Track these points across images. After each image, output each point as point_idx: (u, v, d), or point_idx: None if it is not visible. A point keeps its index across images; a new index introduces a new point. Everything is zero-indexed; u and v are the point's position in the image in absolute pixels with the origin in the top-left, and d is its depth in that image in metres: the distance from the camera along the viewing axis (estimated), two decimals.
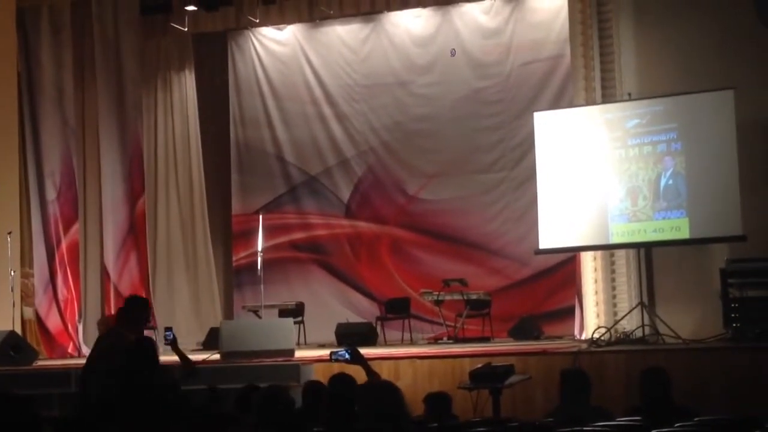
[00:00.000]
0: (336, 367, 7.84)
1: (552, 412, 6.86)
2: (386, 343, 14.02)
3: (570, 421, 5.93)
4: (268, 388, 5.76)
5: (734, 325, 10.75)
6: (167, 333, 7.89)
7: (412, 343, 14.09)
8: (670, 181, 11.32)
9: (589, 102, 12.12)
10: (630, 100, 11.77)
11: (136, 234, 15.23)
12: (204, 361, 10.91)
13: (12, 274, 13.47)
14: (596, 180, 11.73)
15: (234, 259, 16.37)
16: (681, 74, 11.76)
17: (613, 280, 11.89)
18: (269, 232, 15.11)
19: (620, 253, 11.90)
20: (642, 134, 11.51)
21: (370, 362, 7.22)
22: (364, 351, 6.88)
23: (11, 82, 14.38)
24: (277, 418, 5.29)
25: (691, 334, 10.88)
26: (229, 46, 16.58)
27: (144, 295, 14.94)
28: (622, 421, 6.18)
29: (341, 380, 5.80)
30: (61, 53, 14.75)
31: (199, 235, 15.96)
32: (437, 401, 6.74)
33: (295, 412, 5.71)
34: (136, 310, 7.91)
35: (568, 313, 13.09)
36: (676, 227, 11.27)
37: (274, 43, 16.31)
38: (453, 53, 15.24)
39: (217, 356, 11.48)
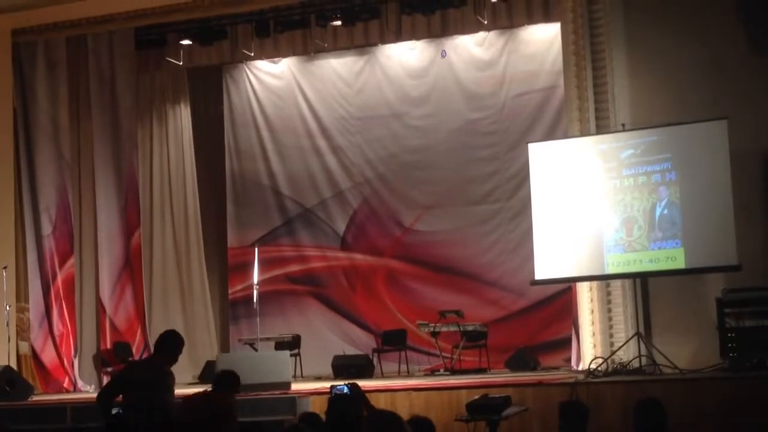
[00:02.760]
0: None
1: None
2: (383, 375, 13.99)
3: None
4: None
5: (731, 354, 10.73)
6: None
7: (409, 374, 14.07)
8: (665, 211, 11.33)
9: (584, 133, 12.15)
10: (624, 130, 11.81)
11: (131, 267, 15.22)
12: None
13: (7, 308, 13.45)
14: (591, 210, 11.74)
15: (230, 291, 16.36)
16: (674, 104, 11.82)
17: (610, 310, 11.86)
18: (265, 264, 15.11)
19: (616, 284, 11.89)
20: (636, 164, 11.54)
21: (367, 395, 7.21)
22: (361, 383, 6.86)
23: (7, 116, 14.43)
24: None
25: (688, 364, 10.87)
26: (224, 79, 16.65)
27: (139, 329, 14.95)
28: None
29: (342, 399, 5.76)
30: (57, 88, 14.81)
31: (195, 268, 15.96)
32: (421, 427, 6.70)
33: None
34: (173, 348, 7.80)
35: (564, 344, 13.08)
36: (672, 257, 11.28)
37: (268, 76, 16.38)
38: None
39: None
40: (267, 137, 16.35)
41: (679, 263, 11.24)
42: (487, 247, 14.92)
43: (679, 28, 12.03)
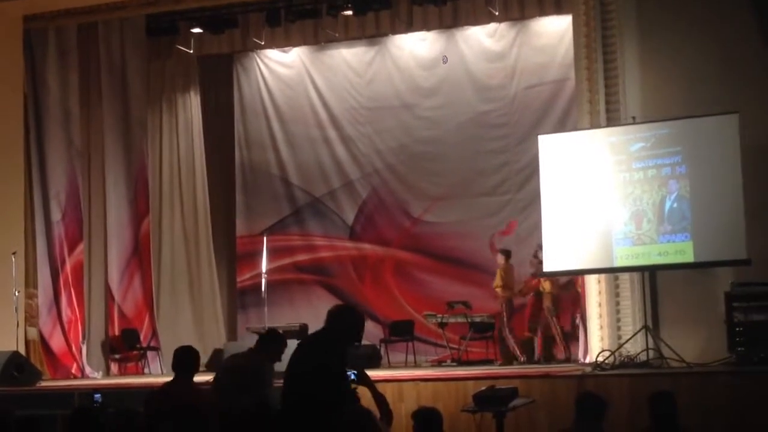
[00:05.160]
0: None
1: None
2: (390, 366, 14.00)
3: None
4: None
5: (739, 349, 10.72)
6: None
7: (416, 365, 14.08)
8: (675, 205, 11.30)
9: (594, 125, 12.12)
10: (634, 123, 11.78)
11: (140, 255, 15.25)
12: (207, 383, 10.88)
13: (16, 294, 13.48)
14: (601, 203, 11.72)
15: (238, 280, 16.38)
16: (685, 98, 11.77)
17: (618, 303, 11.84)
18: (273, 253, 15.13)
19: (624, 277, 11.87)
20: (646, 158, 11.51)
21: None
22: (368, 373, 6.86)
23: (18, 103, 14.44)
24: None
25: (696, 358, 10.85)
26: (234, 68, 16.65)
27: (147, 316, 14.99)
28: None
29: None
30: (68, 75, 14.83)
31: (204, 257, 15.97)
32: (426, 419, 6.73)
33: None
34: (273, 345, 7.87)
35: (572, 336, 13.07)
36: (681, 251, 11.25)
37: (279, 65, 16.37)
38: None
39: None
40: (277, 127, 16.35)
41: (688, 257, 11.21)
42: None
43: (691, 21, 11.99)
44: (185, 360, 7.66)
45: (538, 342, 13.40)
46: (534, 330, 13.52)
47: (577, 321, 13.02)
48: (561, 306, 13.49)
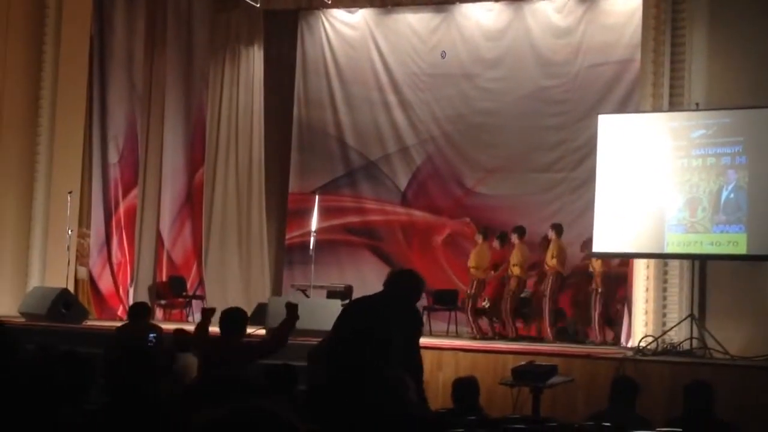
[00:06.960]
0: None
1: (594, 415, 6.82)
2: (431, 334, 14.00)
3: (614, 427, 5.94)
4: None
5: None
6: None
7: (457, 335, 14.09)
8: (732, 195, 11.16)
9: (656, 109, 11.98)
10: (697, 110, 11.62)
11: (192, 204, 15.39)
12: (249, 336, 10.99)
13: (69, 233, 13.67)
14: (656, 188, 11.61)
15: (287, 237, 16.45)
16: (751, 88, 11.58)
17: (665, 289, 11.75)
18: (324, 213, 15.18)
19: (674, 263, 11.76)
20: (707, 145, 11.37)
21: None
22: None
23: (83, 43, 14.55)
24: None
25: (740, 351, 10.74)
26: (299, 25, 16.63)
27: (195, 265, 15.12)
28: (662, 431, 6.15)
29: None
30: (135, 19, 14.94)
31: (255, 211, 16.07)
32: (464, 387, 6.87)
33: None
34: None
35: (617, 319, 13.01)
36: (734, 242, 11.13)
37: (344, 25, 16.34)
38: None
39: (262, 331, 11.55)
40: (337, 87, 16.35)
41: (741, 249, 11.09)
42: (548, 215, 14.74)
43: (763, 11, 11.76)
44: (237, 319, 7.76)
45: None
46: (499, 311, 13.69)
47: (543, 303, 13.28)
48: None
